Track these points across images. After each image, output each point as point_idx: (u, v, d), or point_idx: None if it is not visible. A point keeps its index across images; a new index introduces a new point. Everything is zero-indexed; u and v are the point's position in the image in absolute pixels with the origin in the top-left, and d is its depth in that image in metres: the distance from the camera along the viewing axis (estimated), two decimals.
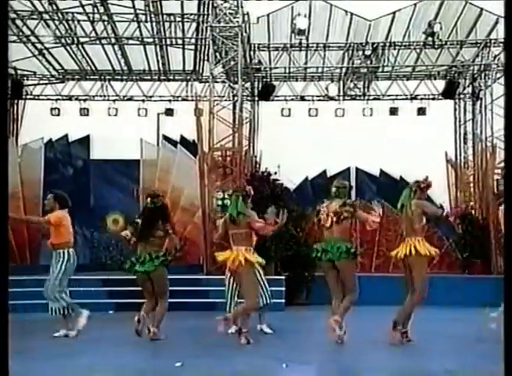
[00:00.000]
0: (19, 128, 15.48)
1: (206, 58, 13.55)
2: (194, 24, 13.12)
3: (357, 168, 15.97)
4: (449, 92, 14.85)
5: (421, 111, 15.32)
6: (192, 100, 15.00)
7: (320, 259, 6.34)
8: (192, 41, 13.71)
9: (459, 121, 15.68)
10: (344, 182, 6.65)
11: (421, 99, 15.50)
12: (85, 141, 15.59)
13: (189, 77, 15.59)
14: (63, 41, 13.66)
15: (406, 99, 15.57)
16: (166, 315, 6.65)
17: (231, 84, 12.81)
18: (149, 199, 6.73)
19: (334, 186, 6.40)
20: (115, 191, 14.31)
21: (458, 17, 12.74)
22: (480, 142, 14.01)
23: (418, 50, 13.88)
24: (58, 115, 15.39)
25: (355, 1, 12.06)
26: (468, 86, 15.32)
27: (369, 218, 6.28)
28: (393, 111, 15.33)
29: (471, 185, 14.57)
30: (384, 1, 11.96)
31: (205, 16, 12.35)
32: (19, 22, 12.86)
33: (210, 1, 11.65)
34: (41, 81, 15.64)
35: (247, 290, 6.27)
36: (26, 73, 15.25)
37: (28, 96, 15.62)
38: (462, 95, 15.52)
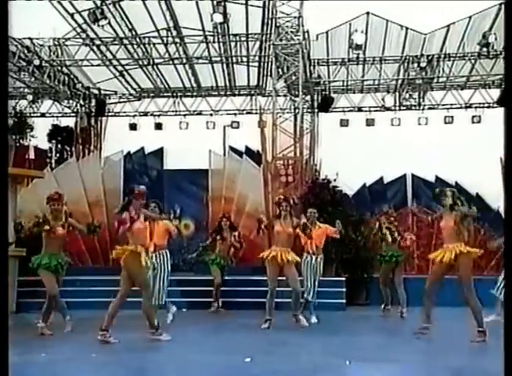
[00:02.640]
0: (102, 142, 16.02)
1: (269, 74, 13.60)
2: (258, 43, 13.20)
3: (413, 175, 15.54)
4: (504, 100, 14.20)
5: (476, 119, 14.77)
6: (257, 113, 15.07)
7: (387, 261, 8.02)
8: (256, 58, 13.79)
9: None
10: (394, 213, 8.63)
11: (476, 107, 14.95)
12: (159, 153, 15.92)
13: (253, 92, 15.68)
14: (140, 62, 14.06)
15: (461, 107, 15.05)
16: (232, 313, 7.84)
17: (292, 98, 12.77)
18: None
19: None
20: (186, 198, 14.48)
21: None
22: None
23: (473, 60, 13.40)
24: (135, 130, 15.83)
25: (410, 16, 11.77)
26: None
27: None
28: (448, 120, 14.86)
29: None
30: (439, 15, 11.61)
31: (268, 35, 12.40)
32: (103, 47, 13.34)
33: (273, 21, 11.68)
34: (121, 100, 16.15)
35: None
36: (108, 92, 15.80)
37: (110, 113, 16.16)
38: None
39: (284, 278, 7.14)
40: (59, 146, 15.57)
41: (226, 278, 8.91)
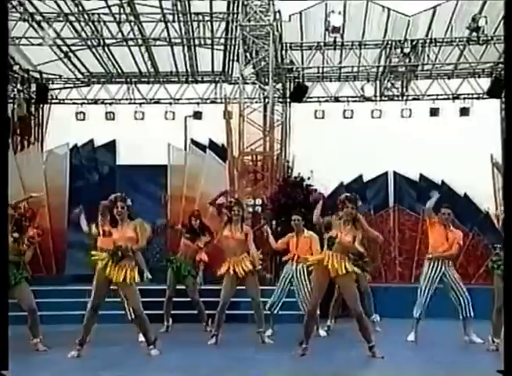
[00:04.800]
0: (44, 133, 15.78)
1: (235, 58, 13.62)
2: (223, 23, 13.20)
3: (395, 173, 15.75)
4: (495, 91, 14.52)
5: (464, 112, 15.08)
6: (222, 103, 15.06)
7: None
8: (222, 41, 13.79)
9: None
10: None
11: (464, 98, 15.25)
12: (111, 146, 15.74)
13: (218, 79, 15.67)
14: (88, 43, 13.89)
15: (448, 98, 15.34)
16: (193, 327, 7.40)
17: (262, 86, 12.83)
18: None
19: None
20: (142, 198, 14.38)
21: None
22: None
23: (461, 46, 13.68)
24: (83, 120, 15.62)
25: None
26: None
27: None
28: (434, 112, 15.12)
29: None
30: None
31: (235, 15, 12.42)
32: (44, 24, 13.13)
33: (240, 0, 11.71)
34: (67, 85, 15.93)
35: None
36: (51, 76, 15.56)
37: (53, 101, 15.91)
38: None
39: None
40: None
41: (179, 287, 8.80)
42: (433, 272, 7.49)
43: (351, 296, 6.37)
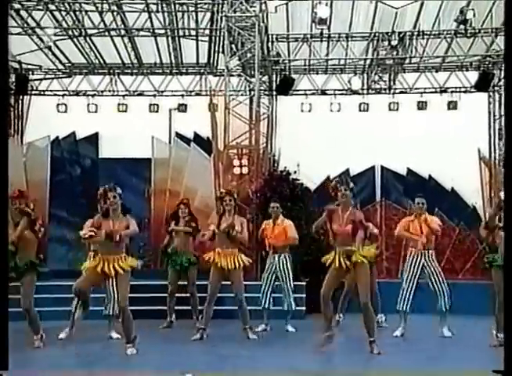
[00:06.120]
0: (24, 125, 15.66)
1: (221, 50, 13.60)
2: (208, 14, 13.17)
3: (382, 167, 15.86)
4: (483, 84, 14.69)
5: (452, 105, 15.19)
6: (207, 95, 15.04)
7: None
8: (207, 32, 13.76)
9: (494, 116, 15.48)
10: None
11: (452, 92, 15.36)
12: (93, 139, 15.69)
13: (202, 71, 15.65)
14: (69, 33, 13.80)
15: (436, 92, 15.44)
16: (180, 323, 7.64)
17: (247, 78, 12.82)
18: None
19: None
20: (125, 192, 14.33)
21: (493, 3, 12.59)
22: None
23: (449, 39, 13.77)
24: (65, 112, 15.53)
25: None
26: (504, 77, 15.15)
27: None
28: (421, 105, 15.22)
29: None
30: None
31: (220, 6, 12.39)
32: (23, 13, 13.01)
33: None
34: (47, 76, 15.81)
35: None
36: (31, 67, 15.42)
37: (33, 92, 15.79)
38: (497, 88, 15.32)
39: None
40: None
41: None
42: (412, 264, 7.60)
43: (362, 284, 6.34)
